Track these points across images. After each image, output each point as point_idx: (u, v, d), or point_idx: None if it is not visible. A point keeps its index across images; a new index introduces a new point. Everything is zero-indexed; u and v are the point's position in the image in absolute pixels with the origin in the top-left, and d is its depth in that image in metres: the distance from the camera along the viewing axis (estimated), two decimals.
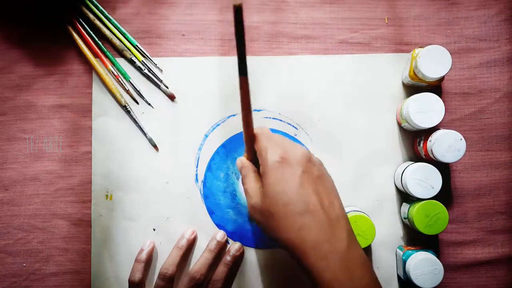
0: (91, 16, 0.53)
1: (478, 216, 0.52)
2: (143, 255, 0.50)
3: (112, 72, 0.53)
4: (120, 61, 0.53)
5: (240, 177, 0.50)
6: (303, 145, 0.53)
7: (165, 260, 0.49)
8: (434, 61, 0.47)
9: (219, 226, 0.52)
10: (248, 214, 0.42)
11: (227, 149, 0.53)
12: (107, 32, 0.53)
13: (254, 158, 0.44)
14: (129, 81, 0.53)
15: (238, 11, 0.35)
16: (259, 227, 0.41)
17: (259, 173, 0.41)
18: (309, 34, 0.54)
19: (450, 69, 0.46)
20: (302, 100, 0.53)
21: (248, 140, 0.43)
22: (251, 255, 0.52)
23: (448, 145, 0.46)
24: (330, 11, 0.54)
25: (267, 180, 0.39)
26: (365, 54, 0.53)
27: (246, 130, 0.42)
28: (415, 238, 0.52)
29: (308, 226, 0.37)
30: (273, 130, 0.53)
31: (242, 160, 0.45)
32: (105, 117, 0.53)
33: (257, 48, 0.54)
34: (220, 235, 0.51)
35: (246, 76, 0.38)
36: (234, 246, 0.50)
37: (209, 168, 0.53)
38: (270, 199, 0.38)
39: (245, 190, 0.42)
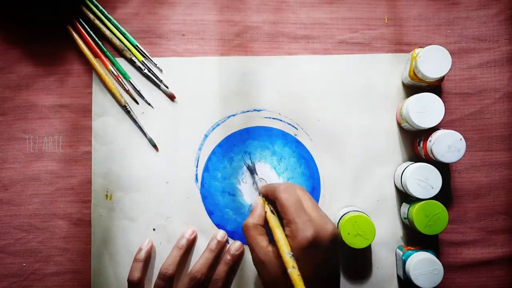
0: (91, 16, 0.53)
1: (478, 216, 0.52)
2: (142, 254, 0.50)
3: (112, 72, 0.53)
4: (120, 61, 0.53)
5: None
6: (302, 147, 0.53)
7: (165, 260, 0.49)
8: (434, 61, 0.47)
9: (219, 226, 0.52)
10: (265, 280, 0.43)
11: (223, 149, 0.53)
12: (107, 32, 0.53)
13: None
14: (129, 81, 0.53)
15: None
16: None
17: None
18: (309, 34, 0.54)
19: (450, 69, 0.46)
20: (302, 100, 0.53)
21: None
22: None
23: (448, 145, 0.46)
24: (330, 11, 0.54)
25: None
26: (365, 54, 0.53)
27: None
28: (415, 238, 0.52)
29: None
30: (273, 130, 0.53)
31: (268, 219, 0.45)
32: (105, 117, 0.53)
33: (257, 48, 0.54)
34: (221, 234, 0.51)
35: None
36: (234, 245, 0.50)
37: (206, 168, 0.53)
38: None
39: (260, 261, 0.42)
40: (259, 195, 0.49)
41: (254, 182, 0.52)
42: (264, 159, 0.53)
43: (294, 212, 0.41)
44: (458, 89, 0.53)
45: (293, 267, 0.38)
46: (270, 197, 0.45)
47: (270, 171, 0.53)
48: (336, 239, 0.41)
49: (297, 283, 0.37)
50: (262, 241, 0.42)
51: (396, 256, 0.51)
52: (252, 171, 0.52)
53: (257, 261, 0.42)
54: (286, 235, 0.41)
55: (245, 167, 0.52)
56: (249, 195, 0.52)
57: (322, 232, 0.40)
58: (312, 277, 0.39)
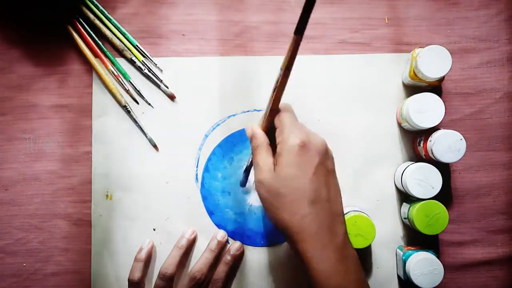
0: (91, 16, 0.53)
1: (478, 216, 0.52)
2: (142, 254, 0.50)
3: (112, 72, 0.53)
4: (120, 61, 0.53)
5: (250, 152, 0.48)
6: None
7: (165, 260, 0.49)
8: (434, 61, 0.47)
9: (219, 226, 0.52)
10: (254, 185, 0.41)
11: (223, 149, 0.53)
12: (107, 32, 0.53)
13: (269, 131, 0.42)
14: (129, 81, 0.53)
15: None
16: (261, 201, 0.41)
17: (272, 148, 0.41)
18: (309, 34, 0.54)
19: (450, 69, 0.46)
20: (302, 100, 0.53)
21: (274, 111, 0.42)
22: (251, 254, 0.52)
23: (448, 145, 0.46)
24: (330, 11, 0.54)
25: (283, 160, 0.39)
26: (365, 54, 0.53)
27: (277, 97, 0.41)
28: (415, 238, 0.52)
29: (313, 215, 0.38)
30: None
31: (255, 129, 0.43)
32: (105, 117, 0.53)
33: (257, 48, 0.54)
34: (221, 234, 0.51)
35: (301, 37, 0.39)
36: (234, 246, 0.50)
37: (206, 168, 0.53)
38: (282, 180, 0.38)
39: (255, 162, 0.41)
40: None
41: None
42: None
43: (290, 122, 0.41)
44: (458, 89, 0.53)
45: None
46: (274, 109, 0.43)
47: None
48: (328, 149, 0.41)
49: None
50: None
51: (396, 256, 0.51)
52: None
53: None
54: (279, 142, 0.40)
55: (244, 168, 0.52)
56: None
57: (312, 139, 0.40)
58: (308, 181, 0.38)
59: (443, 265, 0.46)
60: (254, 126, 0.43)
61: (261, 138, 0.42)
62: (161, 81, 0.53)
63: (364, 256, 0.51)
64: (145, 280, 0.50)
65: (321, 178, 0.39)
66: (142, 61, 0.53)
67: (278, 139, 0.40)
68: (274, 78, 0.40)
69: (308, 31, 0.54)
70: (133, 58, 0.53)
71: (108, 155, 0.52)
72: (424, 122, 0.47)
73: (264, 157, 0.41)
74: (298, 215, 0.38)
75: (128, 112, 0.53)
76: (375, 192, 0.52)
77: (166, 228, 0.52)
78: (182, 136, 0.53)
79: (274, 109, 0.41)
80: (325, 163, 0.40)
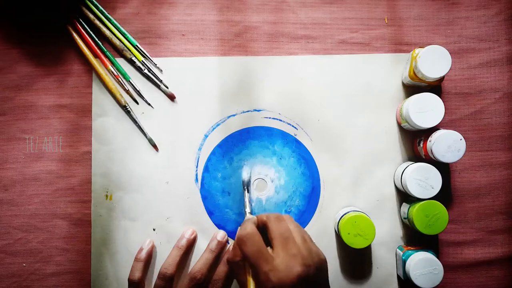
0: (91, 16, 0.53)
1: (478, 216, 0.52)
2: (143, 254, 0.50)
3: (112, 72, 0.53)
4: (120, 61, 0.53)
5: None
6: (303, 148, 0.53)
7: (165, 260, 0.49)
8: (434, 61, 0.47)
9: (219, 226, 0.52)
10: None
11: (223, 149, 0.53)
12: (107, 32, 0.53)
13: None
14: (129, 81, 0.53)
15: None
16: None
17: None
18: (309, 34, 0.54)
19: (450, 69, 0.46)
20: (302, 100, 0.53)
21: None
22: None
23: (448, 145, 0.46)
24: (330, 11, 0.54)
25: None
26: (365, 54, 0.53)
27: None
28: (415, 238, 0.52)
29: None
30: (273, 130, 0.53)
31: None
32: (105, 117, 0.53)
33: (257, 48, 0.54)
34: (221, 235, 0.51)
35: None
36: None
37: (206, 169, 0.53)
38: None
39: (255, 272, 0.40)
40: (245, 214, 0.49)
41: (244, 198, 0.51)
42: (264, 164, 0.53)
43: (279, 244, 0.40)
44: (458, 89, 0.53)
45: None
46: (261, 226, 0.43)
47: (268, 174, 0.53)
48: (324, 270, 0.40)
49: None
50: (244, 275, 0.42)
51: (396, 256, 0.51)
52: (246, 186, 0.52)
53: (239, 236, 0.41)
54: (271, 269, 0.39)
55: (243, 180, 0.52)
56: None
57: (309, 264, 0.39)
58: None
59: (443, 265, 0.46)
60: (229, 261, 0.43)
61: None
62: (161, 81, 0.53)
63: (364, 256, 0.52)
64: (145, 280, 0.50)
65: None
66: (142, 61, 0.53)
67: (274, 260, 0.39)
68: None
69: (308, 31, 0.54)
70: (133, 58, 0.53)
71: (108, 155, 0.52)
72: (424, 122, 0.47)
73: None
74: None
75: (128, 112, 0.53)
76: (375, 192, 0.52)
77: (166, 228, 0.52)
78: (182, 136, 0.53)
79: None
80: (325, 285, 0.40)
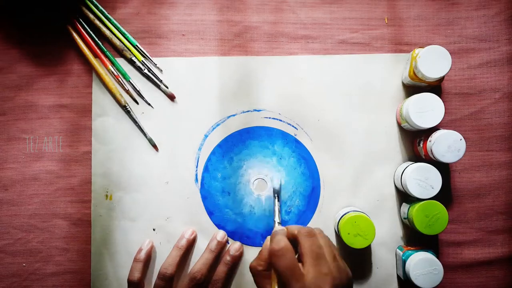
0: (91, 16, 0.53)
1: (478, 216, 0.52)
2: (142, 255, 0.50)
3: (112, 72, 0.53)
4: (120, 61, 0.53)
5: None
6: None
7: (164, 260, 0.49)
8: (434, 61, 0.47)
9: (219, 226, 0.52)
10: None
11: (223, 149, 0.53)
12: (107, 32, 0.53)
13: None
14: (129, 81, 0.53)
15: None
16: None
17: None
18: (309, 34, 0.54)
19: (450, 69, 0.46)
20: (302, 100, 0.53)
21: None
22: (251, 254, 0.52)
23: (448, 145, 0.46)
24: (330, 11, 0.54)
25: None
26: (365, 54, 0.53)
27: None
28: (415, 238, 0.52)
29: None
30: (273, 130, 0.53)
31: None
32: (105, 117, 0.53)
33: (257, 48, 0.54)
34: (221, 235, 0.51)
35: None
36: (233, 246, 0.50)
37: (206, 169, 0.53)
38: None
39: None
40: (275, 224, 0.48)
41: (274, 207, 0.50)
42: (264, 164, 0.53)
43: (309, 263, 0.39)
44: (458, 89, 0.53)
45: None
46: (291, 239, 0.43)
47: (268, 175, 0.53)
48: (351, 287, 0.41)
49: None
50: (267, 285, 0.42)
51: (396, 256, 0.51)
52: (277, 195, 0.50)
53: None
54: (302, 287, 0.38)
55: (274, 188, 0.51)
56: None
57: (338, 285, 0.39)
58: None
59: (442, 265, 0.46)
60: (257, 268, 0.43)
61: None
62: (161, 81, 0.53)
63: (364, 256, 0.52)
64: (144, 280, 0.50)
65: None
66: (142, 61, 0.53)
67: (304, 277, 0.39)
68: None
69: (308, 31, 0.54)
70: (133, 58, 0.53)
71: (108, 155, 0.52)
72: (424, 122, 0.47)
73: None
74: None
75: (128, 112, 0.53)
76: (375, 192, 0.52)
77: (166, 228, 0.52)
78: (182, 136, 0.53)
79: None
80: None
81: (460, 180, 0.52)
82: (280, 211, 0.49)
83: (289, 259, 0.39)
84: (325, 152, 0.53)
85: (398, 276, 0.51)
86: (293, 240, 0.42)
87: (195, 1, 0.54)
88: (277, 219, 0.48)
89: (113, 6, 0.54)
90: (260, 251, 0.44)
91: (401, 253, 0.49)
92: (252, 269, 0.43)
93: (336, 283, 0.38)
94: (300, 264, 0.40)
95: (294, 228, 0.43)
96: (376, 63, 0.53)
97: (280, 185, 0.52)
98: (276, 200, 0.50)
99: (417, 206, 0.47)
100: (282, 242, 0.41)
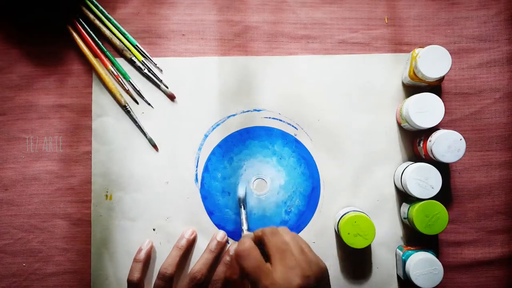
0: (91, 16, 0.53)
1: (478, 216, 0.52)
2: (142, 255, 0.50)
3: (112, 72, 0.53)
4: (120, 61, 0.53)
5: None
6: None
7: (164, 260, 0.49)
8: (434, 61, 0.47)
9: (219, 226, 0.52)
10: None
11: (223, 149, 0.53)
12: (107, 32, 0.53)
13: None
14: (129, 81, 0.53)
15: None
16: None
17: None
18: (309, 34, 0.54)
19: (450, 69, 0.46)
20: (302, 100, 0.53)
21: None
22: None
23: (448, 145, 0.46)
24: (330, 11, 0.54)
25: None
26: (365, 54, 0.53)
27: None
28: (415, 238, 0.52)
29: None
30: (273, 130, 0.53)
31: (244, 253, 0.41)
32: (105, 117, 0.53)
33: (257, 48, 0.54)
34: (221, 235, 0.51)
35: None
36: (233, 246, 0.50)
37: (206, 169, 0.53)
38: None
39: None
40: (242, 232, 0.50)
41: (241, 216, 0.51)
42: (264, 165, 0.53)
43: (276, 258, 0.39)
44: (458, 89, 0.53)
45: None
46: (258, 241, 0.42)
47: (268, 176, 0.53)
48: (325, 278, 0.40)
49: None
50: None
51: (396, 256, 0.51)
52: (242, 203, 0.51)
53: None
54: (271, 283, 0.38)
55: (238, 197, 0.52)
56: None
57: (308, 274, 0.38)
58: None
59: (442, 265, 0.46)
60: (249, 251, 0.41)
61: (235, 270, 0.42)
62: (161, 81, 0.53)
63: (364, 256, 0.52)
64: (144, 280, 0.50)
65: None
66: (142, 61, 0.53)
67: (272, 273, 0.39)
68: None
69: (308, 31, 0.54)
70: (133, 58, 0.53)
71: (108, 155, 0.52)
72: (424, 122, 0.47)
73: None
74: None
75: (128, 112, 0.53)
76: (375, 192, 0.52)
77: (166, 228, 0.52)
78: (182, 136, 0.53)
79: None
80: None
81: (460, 180, 0.52)
82: (247, 219, 0.51)
83: (254, 258, 0.39)
84: (325, 152, 0.53)
85: (398, 276, 0.51)
86: (261, 243, 0.42)
87: (195, 1, 0.54)
88: (244, 227, 0.50)
89: (113, 6, 0.54)
90: (231, 259, 0.44)
91: (401, 253, 0.49)
92: (228, 279, 0.43)
93: (306, 274, 0.38)
94: (268, 263, 0.40)
95: (259, 230, 0.43)
96: (376, 63, 0.53)
97: (246, 193, 0.52)
98: (242, 208, 0.51)
99: (417, 206, 0.47)
100: (246, 243, 0.41)
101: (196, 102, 0.53)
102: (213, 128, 0.53)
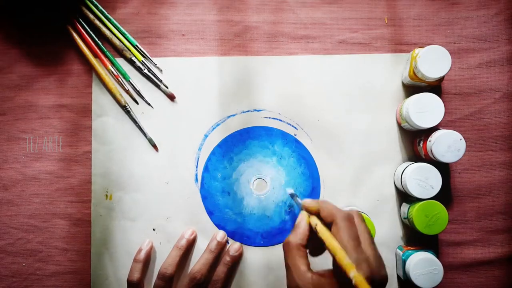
0: (91, 16, 0.53)
1: (478, 216, 0.52)
2: (141, 255, 0.50)
3: (112, 72, 0.53)
4: (120, 61, 0.53)
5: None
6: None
7: (164, 260, 0.49)
8: (434, 61, 0.47)
9: (219, 226, 0.52)
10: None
11: (223, 149, 0.53)
12: (107, 32, 0.53)
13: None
14: (129, 81, 0.53)
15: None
16: None
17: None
18: (309, 34, 0.54)
19: (450, 69, 0.46)
20: (302, 100, 0.53)
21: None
22: (251, 254, 0.52)
23: (448, 145, 0.46)
24: (330, 11, 0.54)
25: None
26: (365, 54, 0.53)
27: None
28: (414, 238, 0.52)
29: None
30: (273, 130, 0.53)
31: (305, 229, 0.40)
32: (105, 117, 0.53)
33: (257, 48, 0.54)
34: (221, 235, 0.51)
35: None
36: (233, 246, 0.50)
37: (206, 169, 0.53)
38: None
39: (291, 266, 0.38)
40: (302, 209, 0.43)
41: (297, 203, 0.48)
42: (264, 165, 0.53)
43: (351, 246, 0.36)
44: (458, 89, 0.53)
45: (355, 270, 0.34)
46: (323, 217, 0.40)
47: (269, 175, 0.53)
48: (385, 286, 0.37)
49: (364, 285, 0.33)
50: (302, 265, 0.38)
51: (396, 256, 0.51)
52: (294, 197, 0.49)
53: (293, 285, 0.37)
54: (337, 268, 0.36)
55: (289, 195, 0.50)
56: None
57: (375, 277, 0.35)
58: None
59: (442, 265, 0.46)
60: (314, 223, 0.40)
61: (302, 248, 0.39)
62: (160, 81, 0.53)
63: None
64: (144, 280, 0.50)
65: None
66: (142, 61, 0.53)
67: (337, 262, 0.36)
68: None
69: (308, 31, 0.54)
70: (133, 58, 0.53)
71: (108, 155, 0.52)
72: (424, 122, 0.47)
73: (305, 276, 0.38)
74: None
75: (128, 112, 0.53)
76: (375, 192, 0.52)
77: (166, 228, 0.52)
78: (182, 136, 0.53)
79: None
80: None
81: (460, 180, 0.52)
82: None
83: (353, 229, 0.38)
84: (325, 152, 0.53)
85: (398, 276, 0.51)
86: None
87: (195, 1, 0.54)
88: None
89: (113, 6, 0.54)
90: (296, 226, 0.40)
91: (401, 253, 0.49)
92: (288, 244, 0.39)
93: (373, 273, 0.36)
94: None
95: (329, 216, 0.40)
96: (376, 63, 0.53)
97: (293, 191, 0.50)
98: (296, 198, 0.48)
99: (417, 206, 0.47)
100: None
101: (196, 102, 0.53)
102: (213, 128, 0.53)
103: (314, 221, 0.40)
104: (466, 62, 0.53)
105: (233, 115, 0.53)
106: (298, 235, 0.39)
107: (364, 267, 0.35)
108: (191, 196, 0.52)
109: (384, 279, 0.37)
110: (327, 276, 0.37)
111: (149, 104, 0.53)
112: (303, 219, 0.41)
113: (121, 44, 0.53)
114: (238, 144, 0.53)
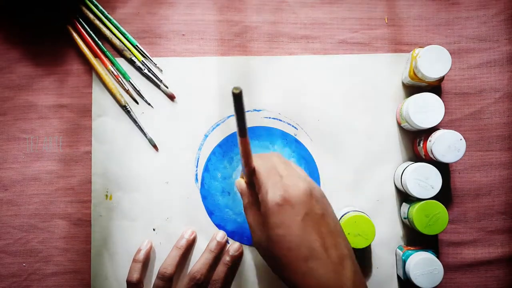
0: (91, 16, 0.53)
1: (478, 216, 0.52)
2: (141, 255, 0.50)
3: (112, 72, 0.53)
4: (120, 61, 0.53)
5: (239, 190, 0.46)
6: (304, 148, 0.53)
7: (164, 260, 0.49)
8: (434, 61, 0.47)
9: (219, 226, 0.52)
10: (254, 245, 0.41)
11: (223, 149, 0.53)
12: (107, 32, 0.53)
13: (253, 186, 0.42)
14: (129, 81, 0.53)
15: (237, 98, 0.32)
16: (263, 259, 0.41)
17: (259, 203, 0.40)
18: (309, 34, 0.54)
19: (450, 69, 0.47)
20: (302, 100, 0.53)
21: (249, 174, 0.41)
22: (251, 254, 0.52)
23: (448, 145, 0.46)
24: (330, 11, 0.54)
25: (269, 222, 0.37)
26: (365, 54, 0.53)
27: (246, 166, 0.40)
28: (415, 238, 0.52)
29: (312, 271, 0.36)
30: (273, 130, 0.53)
31: (242, 185, 0.43)
32: (105, 117, 0.53)
33: (257, 48, 0.54)
34: (220, 235, 0.51)
35: (246, 137, 0.37)
36: (233, 246, 0.50)
37: (206, 168, 0.53)
38: (273, 243, 0.37)
39: (248, 224, 0.41)
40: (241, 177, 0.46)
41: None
42: None
43: (265, 176, 0.39)
44: (458, 89, 0.53)
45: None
46: (248, 171, 0.41)
47: None
48: (312, 193, 0.38)
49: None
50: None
51: (396, 256, 0.51)
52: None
53: (255, 240, 0.40)
54: (260, 201, 0.39)
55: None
56: None
57: (291, 191, 0.37)
58: (297, 239, 0.36)
59: (442, 265, 0.46)
60: (242, 182, 0.43)
61: (247, 195, 0.42)
62: (160, 81, 0.53)
63: (364, 256, 0.52)
64: (144, 280, 0.50)
65: (311, 230, 0.37)
66: (142, 61, 0.53)
67: (259, 197, 0.39)
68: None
69: (308, 31, 0.54)
70: (133, 58, 0.53)
71: (108, 155, 0.52)
72: (424, 122, 0.47)
73: (254, 218, 0.41)
74: (298, 275, 0.36)
75: (128, 112, 0.53)
76: (375, 192, 0.52)
77: (166, 228, 0.52)
78: (182, 136, 0.53)
79: (249, 172, 0.41)
80: (312, 211, 0.37)
81: (460, 180, 0.52)
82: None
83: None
84: (325, 152, 0.53)
85: (398, 276, 0.51)
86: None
87: (195, 1, 0.54)
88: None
89: (113, 6, 0.54)
90: (241, 193, 0.44)
91: (401, 253, 0.49)
92: (244, 209, 0.43)
93: (286, 188, 0.38)
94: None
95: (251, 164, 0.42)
96: (376, 63, 0.53)
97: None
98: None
99: (417, 206, 0.47)
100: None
101: (196, 102, 0.53)
102: (213, 128, 0.53)
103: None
104: (466, 62, 0.53)
105: (233, 115, 0.53)
106: (246, 198, 0.43)
107: (276, 187, 0.38)
108: (191, 196, 0.52)
109: (305, 188, 0.38)
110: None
111: (149, 104, 0.53)
112: (240, 184, 0.44)
113: (121, 44, 0.53)
114: (237, 144, 0.53)
